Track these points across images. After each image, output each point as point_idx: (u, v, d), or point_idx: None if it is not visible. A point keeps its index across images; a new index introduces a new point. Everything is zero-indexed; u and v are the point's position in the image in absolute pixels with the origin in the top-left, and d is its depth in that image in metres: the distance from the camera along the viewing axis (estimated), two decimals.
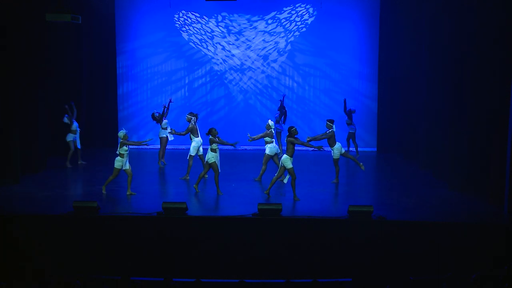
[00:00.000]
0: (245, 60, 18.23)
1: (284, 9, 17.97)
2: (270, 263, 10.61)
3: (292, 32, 18.01)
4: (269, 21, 17.99)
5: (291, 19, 17.95)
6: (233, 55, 18.19)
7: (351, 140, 16.76)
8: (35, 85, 14.58)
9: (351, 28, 17.83)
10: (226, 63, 18.26)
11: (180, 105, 18.18)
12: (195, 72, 18.35)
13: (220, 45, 18.19)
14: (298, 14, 17.94)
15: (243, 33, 18.11)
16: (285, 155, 12.03)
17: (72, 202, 11.21)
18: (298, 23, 17.96)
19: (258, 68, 18.22)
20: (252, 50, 18.16)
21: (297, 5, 17.91)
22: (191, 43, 18.23)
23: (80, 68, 17.46)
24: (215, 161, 12.48)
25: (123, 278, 8.85)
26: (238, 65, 18.25)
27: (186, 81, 18.36)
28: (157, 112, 15.28)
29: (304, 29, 17.96)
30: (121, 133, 12.48)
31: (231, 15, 18.04)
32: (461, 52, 12.67)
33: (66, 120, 15.34)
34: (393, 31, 17.13)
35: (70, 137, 15.37)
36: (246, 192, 12.79)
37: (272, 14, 17.98)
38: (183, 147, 17.15)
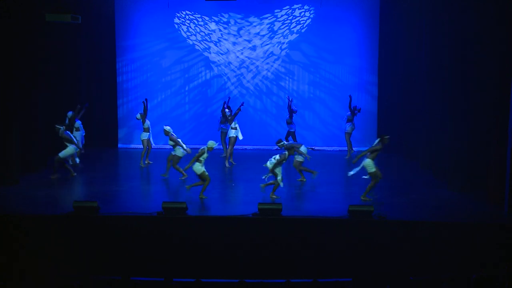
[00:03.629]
0: (244, 60, 18.22)
1: (284, 10, 17.96)
2: (270, 263, 10.61)
3: (291, 33, 17.98)
4: (269, 22, 17.99)
5: (291, 20, 17.93)
6: (231, 55, 18.18)
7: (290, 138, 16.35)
8: (35, 85, 14.57)
9: (350, 29, 17.81)
10: (225, 63, 18.25)
11: (178, 102, 18.28)
12: (194, 71, 18.34)
13: (219, 44, 18.18)
14: (298, 15, 17.92)
15: (242, 33, 18.10)
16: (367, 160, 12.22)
17: (72, 202, 11.20)
18: (298, 24, 17.94)
19: (257, 68, 18.20)
20: (251, 50, 18.15)
21: (296, 6, 17.90)
22: (190, 43, 18.22)
23: (79, 68, 17.45)
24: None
25: (123, 278, 8.84)
26: (236, 65, 18.23)
27: (186, 78, 18.35)
28: (228, 111, 15.52)
29: (303, 30, 17.95)
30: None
31: (230, 15, 18.04)
32: (461, 52, 12.66)
33: (138, 116, 15.39)
34: (393, 31, 17.12)
35: (144, 136, 15.35)
36: (246, 192, 12.79)
37: (272, 14, 17.98)
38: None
